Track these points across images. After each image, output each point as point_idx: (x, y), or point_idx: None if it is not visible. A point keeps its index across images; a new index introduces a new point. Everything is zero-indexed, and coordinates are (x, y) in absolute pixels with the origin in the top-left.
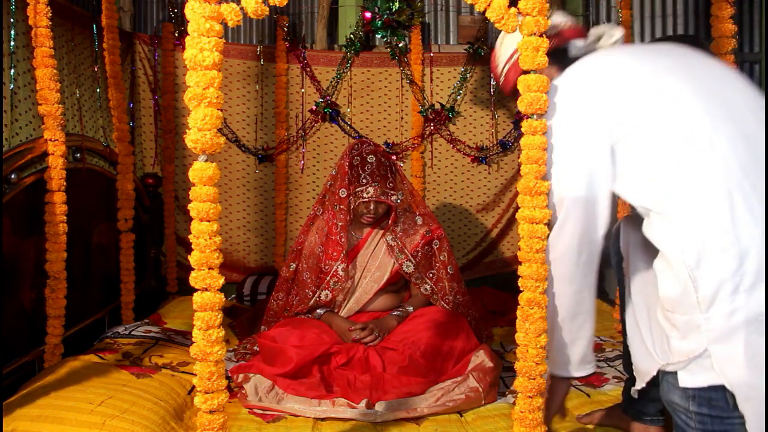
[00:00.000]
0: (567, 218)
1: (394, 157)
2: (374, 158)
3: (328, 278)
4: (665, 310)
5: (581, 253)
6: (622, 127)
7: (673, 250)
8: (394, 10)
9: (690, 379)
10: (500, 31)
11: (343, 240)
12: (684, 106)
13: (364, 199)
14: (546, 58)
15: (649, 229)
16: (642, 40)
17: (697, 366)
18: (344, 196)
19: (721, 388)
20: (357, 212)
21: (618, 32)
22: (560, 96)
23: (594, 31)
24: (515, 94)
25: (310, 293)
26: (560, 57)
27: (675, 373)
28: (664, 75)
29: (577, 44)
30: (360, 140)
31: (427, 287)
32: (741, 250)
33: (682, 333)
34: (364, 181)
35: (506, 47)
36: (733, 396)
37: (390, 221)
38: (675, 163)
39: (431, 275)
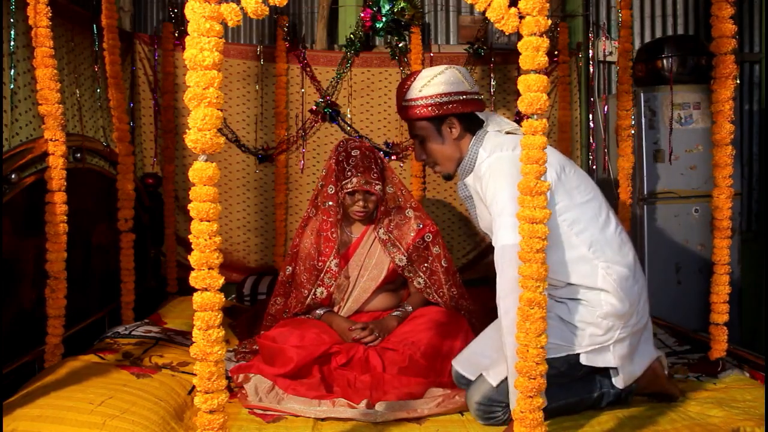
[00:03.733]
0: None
1: (394, 157)
2: (358, 152)
3: (322, 275)
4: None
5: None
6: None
7: None
8: (397, 9)
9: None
10: (501, 32)
11: (334, 236)
12: None
13: (348, 189)
14: (546, 58)
15: None
16: (642, 40)
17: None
18: (332, 192)
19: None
20: (346, 206)
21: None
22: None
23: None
24: (412, 128)
25: (306, 292)
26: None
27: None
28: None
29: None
30: (345, 138)
31: (420, 280)
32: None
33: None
34: (348, 173)
35: (450, 85)
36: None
37: (378, 213)
38: None
39: (425, 268)
